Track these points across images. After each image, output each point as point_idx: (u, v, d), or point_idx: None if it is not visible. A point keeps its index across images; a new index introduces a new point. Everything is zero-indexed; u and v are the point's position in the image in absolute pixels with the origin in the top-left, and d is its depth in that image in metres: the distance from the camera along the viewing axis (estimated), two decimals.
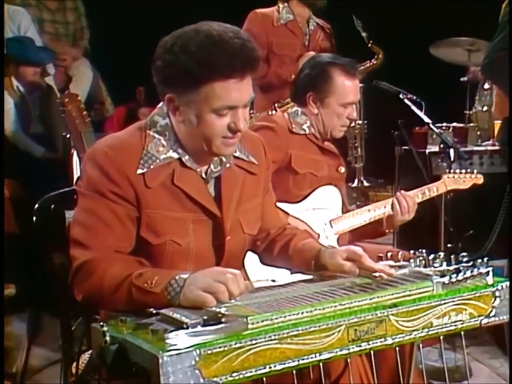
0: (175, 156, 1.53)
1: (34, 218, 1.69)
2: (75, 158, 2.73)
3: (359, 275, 1.52)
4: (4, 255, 2.21)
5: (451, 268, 1.48)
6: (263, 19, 3.48)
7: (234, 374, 1.19)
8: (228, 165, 1.59)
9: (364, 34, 3.67)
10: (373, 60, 3.69)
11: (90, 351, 1.57)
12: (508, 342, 1.48)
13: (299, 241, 1.69)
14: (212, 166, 1.57)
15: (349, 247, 1.57)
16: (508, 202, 2.88)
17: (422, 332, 1.37)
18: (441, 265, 1.50)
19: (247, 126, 1.51)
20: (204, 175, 1.56)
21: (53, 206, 1.71)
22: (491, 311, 1.44)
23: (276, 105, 3.42)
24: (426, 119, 2.81)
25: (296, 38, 3.61)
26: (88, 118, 2.61)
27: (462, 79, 4.04)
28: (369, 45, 3.68)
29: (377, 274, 1.48)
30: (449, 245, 2.99)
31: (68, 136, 2.80)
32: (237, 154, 1.61)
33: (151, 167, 1.50)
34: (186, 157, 1.54)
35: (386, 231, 2.42)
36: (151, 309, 1.31)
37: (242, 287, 1.36)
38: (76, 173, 2.75)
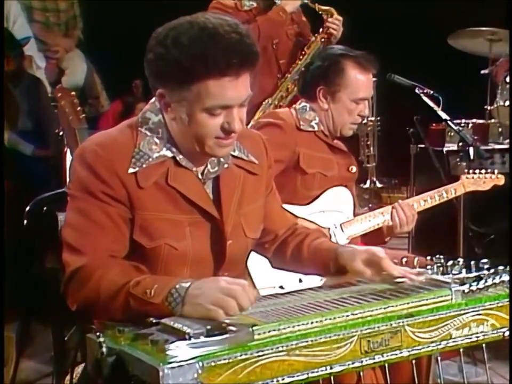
0: (169, 154, 1.54)
1: (25, 221, 1.70)
2: (68, 157, 2.74)
3: (381, 280, 1.53)
4: (4, 258, 2.23)
5: (471, 275, 1.48)
6: (225, 7, 3.41)
7: None
8: (226, 165, 1.59)
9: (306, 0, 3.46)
10: (324, 28, 3.32)
11: (84, 363, 1.58)
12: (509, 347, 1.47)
13: (313, 241, 1.69)
14: (208, 166, 1.57)
15: (369, 248, 1.57)
16: (509, 206, 2.88)
17: (440, 344, 1.38)
18: (460, 272, 1.50)
19: (242, 126, 1.50)
20: (200, 176, 1.57)
21: (45, 208, 1.71)
22: None
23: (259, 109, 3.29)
24: (444, 115, 2.81)
25: None
26: (82, 114, 2.62)
27: (482, 71, 4.03)
28: (318, 10, 3.44)
29: (399, 279, 1.49)
30: (468, 251, 2.99)
31: (61, 133, 2.81)
32: (236, 153, 1.61)
33: (143, 166, 1.50)
34: (181, 156, 1.54)
35: (386, 239, 2.43)
36: (151, 318, 1.32)
37: (252, 298, 1.36)
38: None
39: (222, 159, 1.58)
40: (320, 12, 3.31)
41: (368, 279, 1.54)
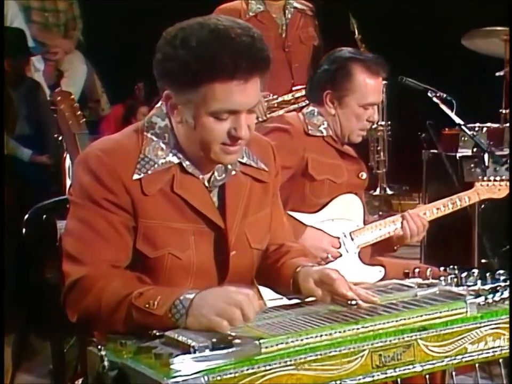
0: (175, 160, 1.54)
1: (24, 230, 1.71)
2: (68, 163, 2.75)
3: (335, 302, 1.47)
4: (3, 262, 2.23)
5: (486, 287, 1.48)
6: (229, 14, 3.43)
7: None
8: (233, 173, 1.59)
9: (357, 36, 3.51)
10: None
11: (84, 377, 1.58)
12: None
13: (287, 259, 1.63)
14: (215, 174, 1.57)
15: (323, 268, 1.53)
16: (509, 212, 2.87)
17: (455, 359, 1.38)
18: (475, 284, 1.50)
19: (249, 134, 1.50)
20: (206, 183, 1.57)
21: (44, 217, 1.72)
22: None
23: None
24: (458, 120, 2.82)
25: (268, 29, 3.53)
26: (82, 119, 2.63)
27: (498, 73, 4.03)
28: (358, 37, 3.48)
29: (353, 302, 1.43)
30: (483, 261, 2.98)
31: (60, 138, 2.82)
32: (244, 160, 1.62)
33: (149, 172, 1.51)
34: (188, 162, 1.55)
35: (395, 248, 2.43)
36: (154, 331, 1.32)
37: (257, 308, 1.37)
38: (69, 179, 2.76)
39: (229, 166, 1.58)
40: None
41: (320, 300, 1.49)
